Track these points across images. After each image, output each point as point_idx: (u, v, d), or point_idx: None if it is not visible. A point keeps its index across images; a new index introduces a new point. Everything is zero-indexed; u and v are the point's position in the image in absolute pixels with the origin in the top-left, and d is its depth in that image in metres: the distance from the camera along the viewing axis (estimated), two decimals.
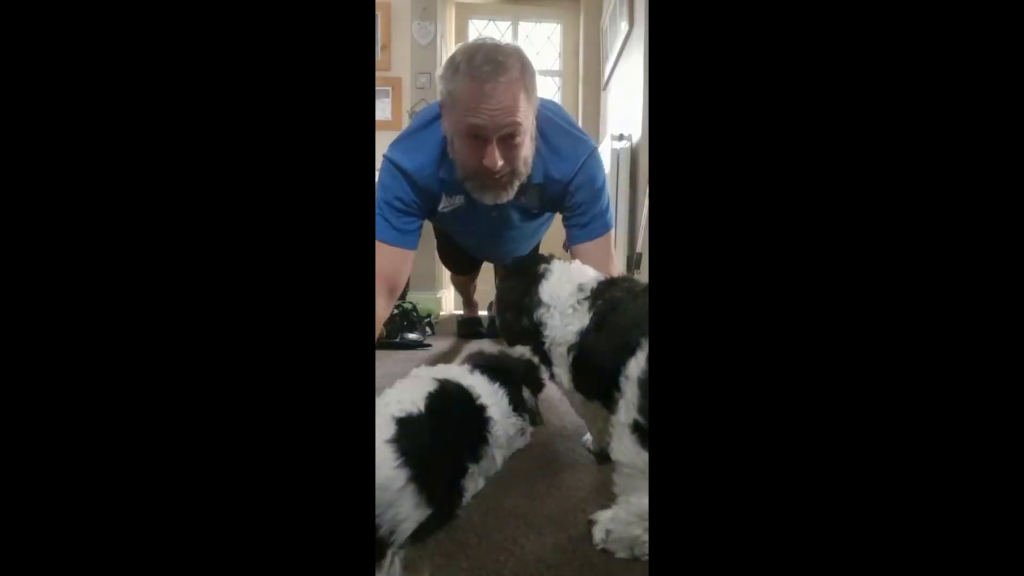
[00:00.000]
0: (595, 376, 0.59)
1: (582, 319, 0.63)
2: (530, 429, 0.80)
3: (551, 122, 1.06)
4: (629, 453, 0.50)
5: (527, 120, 0.95)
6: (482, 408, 0.68)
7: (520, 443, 0.78)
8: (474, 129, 0.93)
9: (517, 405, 0.76)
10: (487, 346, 1.73)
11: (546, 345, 0.67)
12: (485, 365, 0.77)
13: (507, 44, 0.95)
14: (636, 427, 0.49)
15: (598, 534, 0.53)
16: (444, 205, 1.10)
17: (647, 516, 0.48)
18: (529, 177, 1.03)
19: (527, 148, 0.98)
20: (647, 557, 0.49)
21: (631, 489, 0.51)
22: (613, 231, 1.17)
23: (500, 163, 0.94)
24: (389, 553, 0.49)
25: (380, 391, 0.64)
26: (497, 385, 0.73)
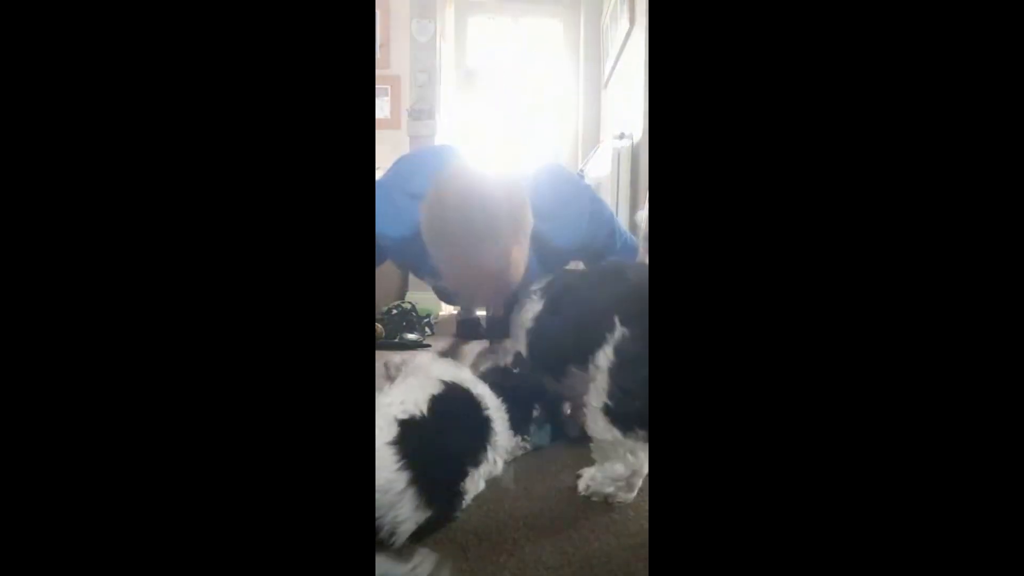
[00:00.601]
0: (552, 354, 0.69)
1: (537, 305, 0.74)
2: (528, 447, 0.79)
3: (549, 190, 0.93)
4: (602, 431, 0.59)
5: (520, 263, 0.78)
6: (487, 419, 0.67)
7: (521, 450, 0.78)
8: (467, 293, 0.87)
9: (521, 424, 0.75)
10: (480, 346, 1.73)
11: (512, 330, 0.77)
12: (497, 381, 0.75)
13: (492, 180, 0.76)
14: (607, 410, 0.58)
15: (581, 485, 0.64)
16: (429, 281, 1.07)
17: (619, 478, 0.60)
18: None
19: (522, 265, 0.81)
20: (618, 504, 0.62)
21: (605, 458, 0.61)
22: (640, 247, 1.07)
23: (502, 309, 0.86)
24: (418, 554, 0.49)
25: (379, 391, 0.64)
26: (502, 400, 0.72)
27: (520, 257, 0.77)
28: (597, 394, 0.59)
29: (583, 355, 0.61)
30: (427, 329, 1.84)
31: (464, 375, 0.72)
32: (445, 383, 0.67)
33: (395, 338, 1.66)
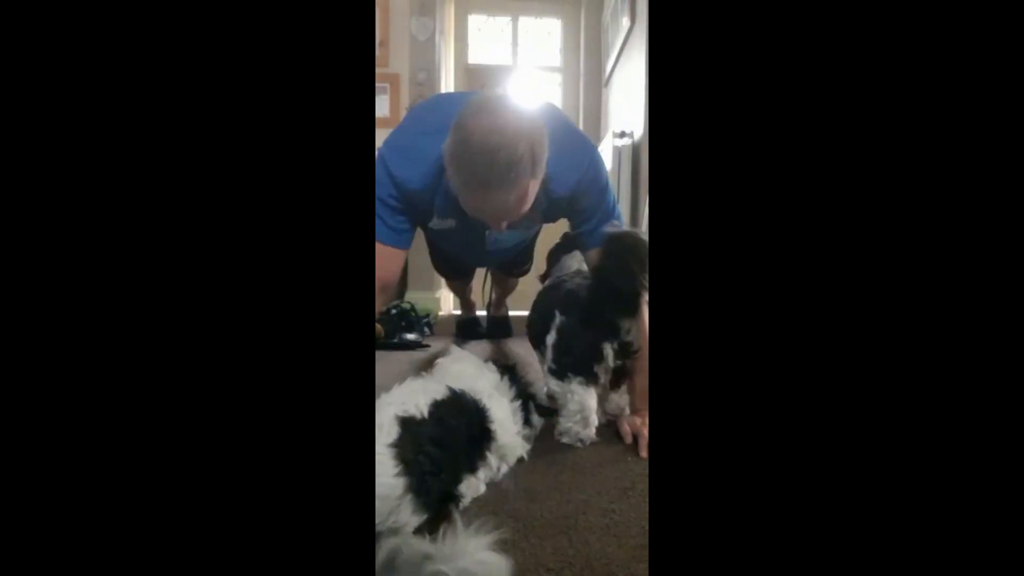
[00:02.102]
0: (532, 338, 0.99)
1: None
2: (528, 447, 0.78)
3: (549, 133, 0.98)
4: (552, 386, 0.83)
5: (533, 194, 0.85)
6: (489, 431, 0.67)
7: (521, 451, 0.78)
8: (479, 216, 0.89)
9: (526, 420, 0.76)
10: (487, 347, 1.73)
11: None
12: (511, 385, 0.75)
13: (513, 115, 0.78)
14: (550, 370, 0.84)
15: (556, 432, 0.82)
16: (435, 223, 1.07)
17: (572, 416, 0.80)
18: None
19: (533, 196, 0.88)
20: (587, 442, 0.81)
21: (563, 406, 0.81)
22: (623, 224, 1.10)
23: (505, 226, 0.91)
24: (454, 514, 0.51)
25: (379, 391, 0.63)
26: (515, 405, 0.73)
27: (535, 189, 0.85)
28: (547, 362, 0.86)
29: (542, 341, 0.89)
30: (426, 329, 1.84)
31: (480, 384, 0.71)
32: (452, 390, 0.66)
33: (395, 338, 1.66)
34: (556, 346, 0.82)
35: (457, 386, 0.67)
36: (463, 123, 0.79)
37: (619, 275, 0.77)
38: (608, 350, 0.80)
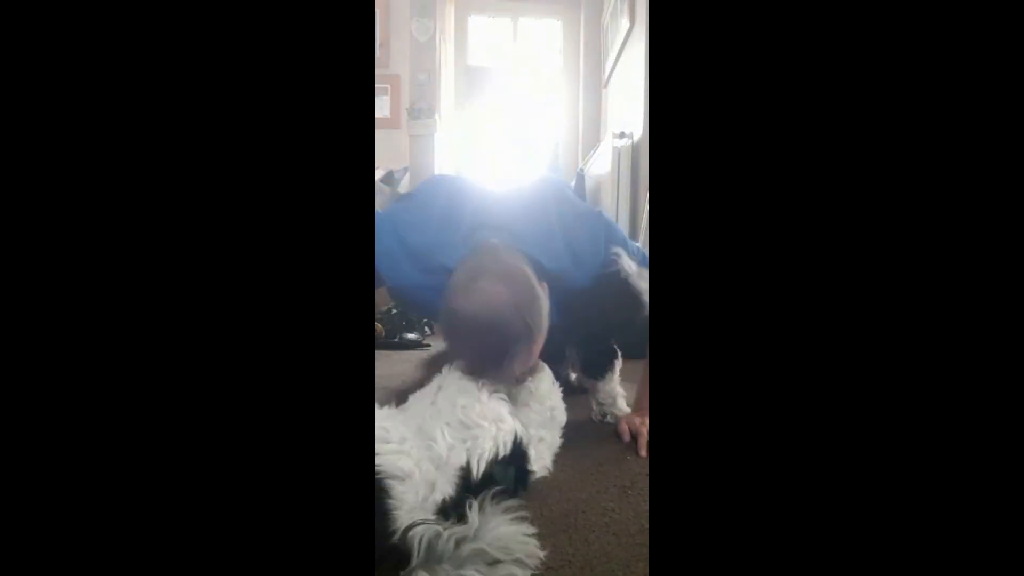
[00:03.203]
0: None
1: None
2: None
3: (555, 224, 0.88)
4: (586, 382, 1.01)
5: (536, 353, 0.78)
6: (526, 469, 0.65)
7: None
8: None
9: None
10: None
11: None
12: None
13: (506, 286, 0.71)
14: (585, 372, 1.01)
15: (593, 415, 1.00)
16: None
17: (611, 398, 0.98)
18: None
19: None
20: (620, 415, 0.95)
21: (596, 393, 0.99)
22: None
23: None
24: (475, 503, 0.51)
25: (379, 392, 0.63)
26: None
27: (537, 349, 0.76)
28: (578, 365, 1.04)
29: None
30: (427, 329, 1.84)
31: (528, 418, 0.70)
32: (516, 442, 0.63)
33: (395, 338, 1.66)
34: (585, 360, 1.00)
35: (520, 432, 0.64)
36: (449, 303, 0.71)
37: (614, 313, 0.91)
38: (619, 357, 0.99)
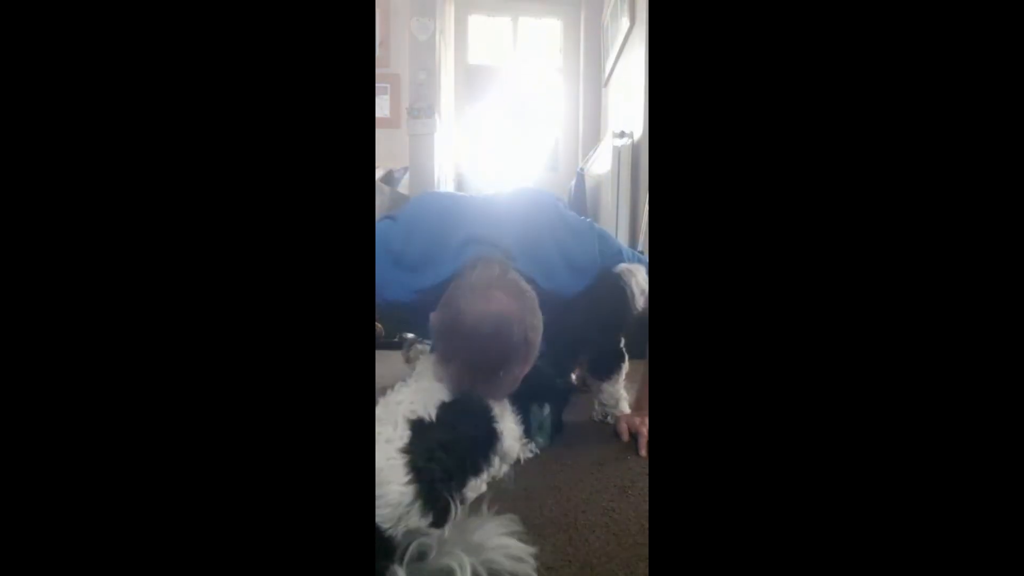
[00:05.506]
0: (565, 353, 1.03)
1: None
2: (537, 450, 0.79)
3: (547, 239, 0.87)
4: (592, 383, 1.02)
5: (527, 368, 0.76)
6: (495, 431, 0.67)
7: (531, 453, 0.78)
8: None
9: (531, 425, 0.75)
10: None
11: None
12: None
13: (508, 298, 0.70)
14: (592, 373, 1.01)
15: (594, 414, 1.02)
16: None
17: (614, 399, 0.99)
18: None
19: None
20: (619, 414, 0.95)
21: (599, 394, 1.01)
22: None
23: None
24: (453, 504, 0.52)
25: (380, 391, 0.63)
26: (515, 407, 0.73)
27: (525, 370, 0.75)
28: (586, 366, 1.03)
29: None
30: None
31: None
32: (459, 391, 0.66)
33: (395, 337, 1.66)
34: (592, 360, 1.01)
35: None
36: (454, 307, 0.71)
37: (611, 313, 0.91)
38: (626, 360, 1.01)
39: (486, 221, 0.88)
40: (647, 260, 0.99)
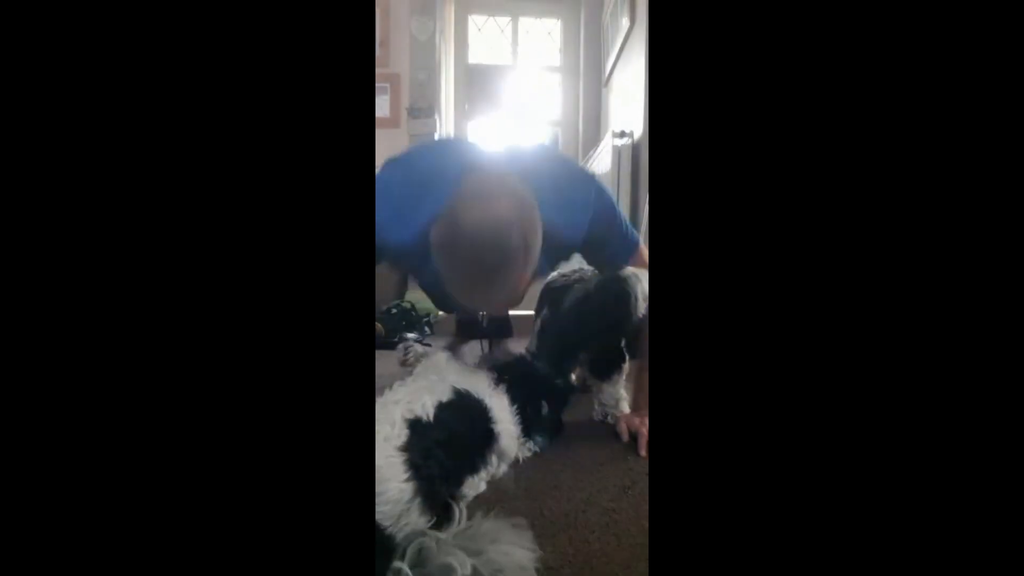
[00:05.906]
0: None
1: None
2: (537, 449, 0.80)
3: (547, 179, 0.87)
4: (593, 383, 1.03)
5: (528, 279, 0.77)
6: (493, 432, 0.67)
7: (529, 452, 0.78)
8: (468, 305, 0.81)
9: (531, 425, 0.76)
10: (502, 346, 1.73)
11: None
12: (509, 380, 0.76)
13: (506, 204, 0.71)
14: (593, 373, 1.02)
15: (595, 413, 1.01)
16: (423, 283, 1.04)
17: (614, 400, 1.00)
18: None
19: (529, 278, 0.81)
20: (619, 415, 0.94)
21: (599, 394, 1.02)
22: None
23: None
24: (455, 505, 0.54)
25: (379, 391, 0.63)
26: (515, 407, 0.73)
27: (529, 275, 0.76)
28: (587, 366, 1.05)
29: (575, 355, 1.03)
30: (427, 328, 1.84)
31: (480, 385, 0.71)
32: (457, 391, 0.66)
33: (395, 337, 1.66)
34: (593, 360, 1.02)
35: (460, 386, 0.67)
36: (453, 214, 0.71)
37: (613, 317, 0.94)
38: (627, 361, 1.02)
39: (485, 159, 0.89)
40: (639, 239, 1.02)
